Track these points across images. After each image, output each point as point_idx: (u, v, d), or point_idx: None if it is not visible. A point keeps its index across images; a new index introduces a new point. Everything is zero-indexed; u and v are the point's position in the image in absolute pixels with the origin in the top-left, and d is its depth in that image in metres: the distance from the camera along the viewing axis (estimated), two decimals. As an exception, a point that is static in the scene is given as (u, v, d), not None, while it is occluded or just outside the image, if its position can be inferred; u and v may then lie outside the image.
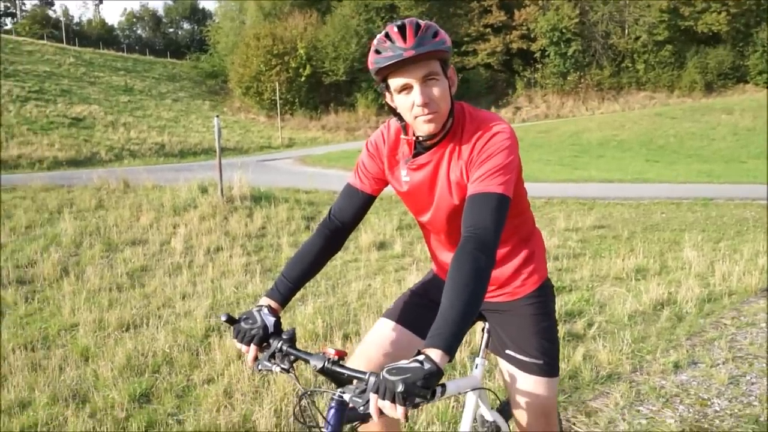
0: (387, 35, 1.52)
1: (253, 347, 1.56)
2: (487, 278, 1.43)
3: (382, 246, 7.36)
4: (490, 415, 1.96)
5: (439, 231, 1.82)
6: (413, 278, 5.60)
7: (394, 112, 1.66)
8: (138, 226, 8.10)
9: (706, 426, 3.12)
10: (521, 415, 1.81)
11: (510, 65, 45.23)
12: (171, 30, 75.71)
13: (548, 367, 1.79)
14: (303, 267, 1.76)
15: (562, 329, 4.37)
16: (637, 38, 43.23)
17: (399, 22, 1.53)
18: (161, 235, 7.65)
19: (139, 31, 74.66)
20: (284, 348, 1.52)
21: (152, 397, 3.43)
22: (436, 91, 1.54)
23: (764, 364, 3.86)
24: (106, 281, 5.72)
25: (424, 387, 1.20)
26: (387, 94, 1.63)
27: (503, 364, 1.85)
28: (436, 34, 1.52)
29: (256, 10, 47.10)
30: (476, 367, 1.91)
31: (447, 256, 1.82)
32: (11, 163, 18.48)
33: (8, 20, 69.72)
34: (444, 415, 3.09)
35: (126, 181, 11.07)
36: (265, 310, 1.63)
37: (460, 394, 1.89)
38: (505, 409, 1.99)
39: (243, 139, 31.01)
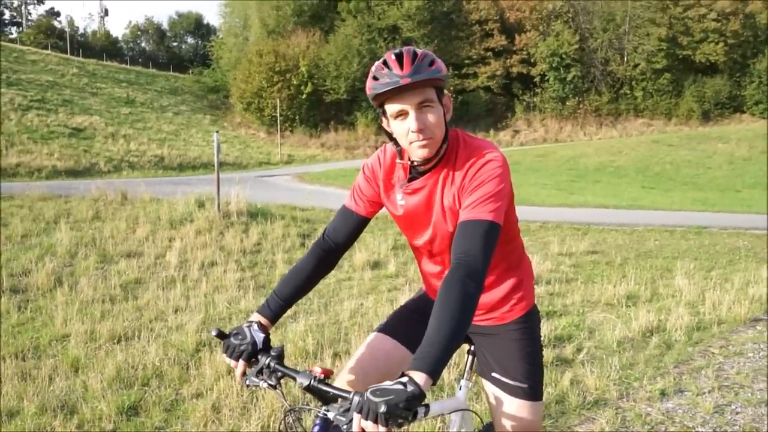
0: (385, 62, 1.59)
1: (241, 363, 1.60)
2: (475, 305, 1.47)
3: (376, 265, 7.40)
4: (473, 437, 1.98)
5: (432, 255, 1.86)
6: (405, 298, 5.60)
7: (390, 137, 1.72)
8: (134, 239, 8.13)
9: (689, 454, 3.14)
10: None
11: (510, 89, 45.62)
12: (175, 44, 76.23)
13: (533, 391, 1.83)
14: (295, 285, 1.81)
15: (551, 353, 4.41)
16: (636, 66, 43.74)
17: (397, 51, 1.59)
18: (156, 248, 7.67)
19: (143, 44, 75.13)
20: (272, 365, 1.56)
21: (140, 410, 3.45)
22: (431, 117, 1.60)
23: (749, 394, 3.90)
24: (99, 293, 5.74)
25: (406, 409, 1.24)
26: (383, 119, 1.69)
27: (488, 386, 1.88)
28: (432, 63, 1.59)
29: (260, 26, 47.54)
30: (460, 389, 1.95)
31: (438, 281, 1.87)
32: (10, 171, 18.51)
33: (14, 29, 70.22)
34: (431, 436, 3.11)
35: (124, 193, 11.11)
36: (255, 327, 1.67)
37: (443, 414, 1.91)
38: (489, 431, 2.02)
39: (242, 154, 31.14)
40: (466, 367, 1.97)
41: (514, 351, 1.85)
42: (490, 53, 44.94)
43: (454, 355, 3.30)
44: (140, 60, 61.60)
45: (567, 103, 43.77)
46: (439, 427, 3.18)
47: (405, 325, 1.95)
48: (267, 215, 9.77)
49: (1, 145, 20.96)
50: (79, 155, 22.84)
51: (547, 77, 43.96)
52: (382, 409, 1.22)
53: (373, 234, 9.18)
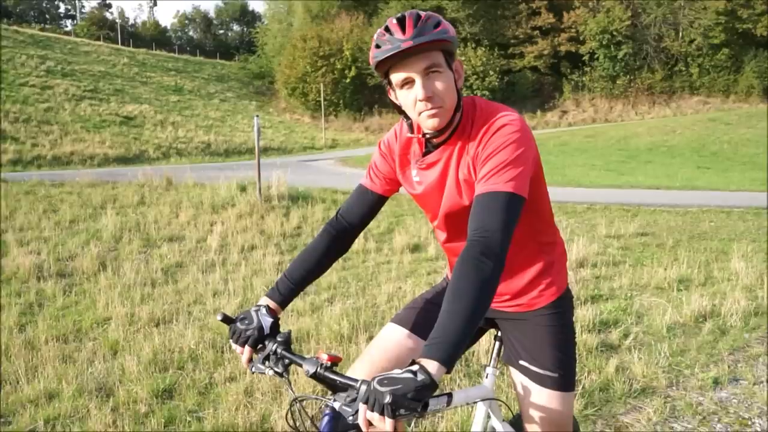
0: (387, 28, 1.45)
1: (247, 349, 1.51)
2: (494, 286, 1.33)
3: (416, 248, 7.28)
4: (501, 428, 1.86)
5: (451, 235, 1.73)
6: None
7: (399, 109, 1.59)
8: (176, 223, 8.24)
9: (744, 448, 2.94)
10: (534, 430, 1.71)
11: (557, 68, 44.47)
12: (221, 31, 77.38)
13: (564, 381, 1.69)
14: (306, 267, 1.71)
15: (595, 339, 4.21)
16: (692, 41, 41.89)
17: (399, 15, 1.46)
18: (198, 232, 7.75)
19: (190, 33, 76.54)
20: (279, 351, 1.47)
21: (175, 393, 3.45)
22: (439, 84, 1.46)
23: (813, 384, 3.63)
24: (141, 276, 5.82)
25: (414, 399, 1.12)
26: (390, 90, 1.56)
27: (516, 375, 1.75)
28: (437, 24, 1.44)
29: (304, 12, 47.66)
30: (487, 377, 1.83)
31: None
32: (64, 160, 19.15)
33: (68, 22, 72.45)
34: (466, 424, 3.00)
35: (169, 179, 11.30)
36: (263, 311, 1.58)
37: (468, 404, 1.79)
38: (518, 422, 1.89)
39: (287, 139, 31.40)
40: (492, 353, 1.84)
41: (543, 338, 1.70)
42: (537, 32, 43.88)
43: (481, 341, 3.16)
44: (188, 48, 62.76)
45: (617, 82, 42.37)
46: (469, 415, 3.06)
47: (420, 315, 1.81)
48: (308, 199, 9.77)
49: (55, 134, 21.67)
50: (130, 143, 23.46)
51: (596, 55, 42.61)
52: (387, 399, 1.11)
53: (414, 216, 9.07)
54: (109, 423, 3.03)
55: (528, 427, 1.71)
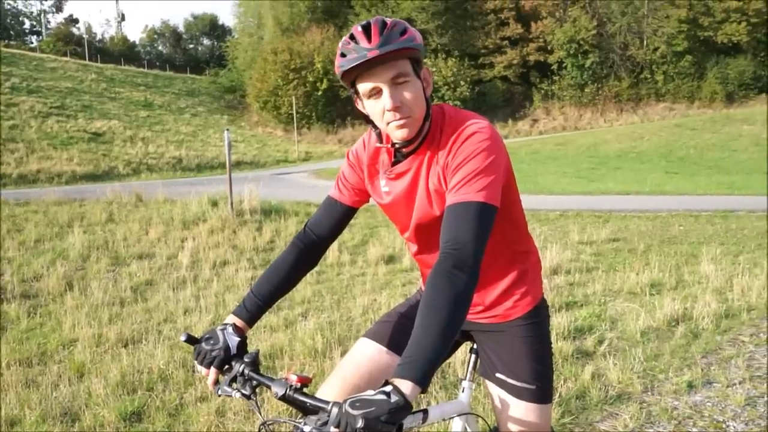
0: (352, 36, 1.42)
1: (213, 370, 1.45)
2: (468, 300, 1.29)
3: (390, 259, 7.24)
4: (478, 442, 1.83)
5: (422, 248, 1.69)
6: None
7: (366, 118, 1.55)
8: (146, 240, 8.08)
9: (720, 451, 2.94)
10: None
11: (527, 78, 45.01)
12: (191, 46, 76.76)
13: (541, 393, 1.65)
14: (274, 283, 1.66)
15: (570, 346, 4.22)
16: (656, 49, 42.78)
17: (364, 22, 1.42)
18: (169, 248, 7.61)
19: (159, 47, 75.75)
20: (246, 372, 1.42)
21: (143, 416, 3.34)
22: (407, 93, 1.42)
23: (784, 385, 3.67)
24: (109, 296, 5.67)
25: (388, 422, 1.08)
26: (358, 100, 1.52)
27: (493, 388, 1.71)
28: (404, 32, 1.41)
29: (274, 25, 47.52)
30: (463, 391, 1.79)
31: None
32: (30, 178, 18.71)
33: (34, 38, 71.24)
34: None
35: (138, 195, 11.10)
36: (230, 330, 1.52)
37: (445, 420, 1.76)
38: (495, 436, 1.86)
39: (260, 153, 31.17)
40: (468, 367, 1.80)
41: (520, 350, 1.67)
42: (506, 42, 44.36)
43: (457, 354, 3.12)
44: (157, 63, 62.10)
45: (586, 90, 43.02)
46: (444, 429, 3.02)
47: (394, 329, 1.76)
48: (281, 212, 9.68)
49: (20, 152, 21.19)
50: (98, 159, 23.03)
51: (564, 64, 43.24)
52: (360, 424, 1.06)
53: (389, 227, 9.03)
54: (75, 450, 2.92)
55: (506, 440, 1.68)
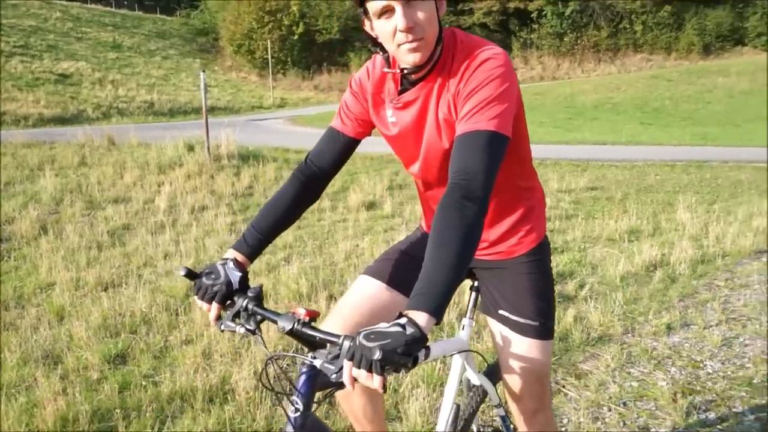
0: None
1: (215, 305, 1.41)
2: (479, 231, 1.25)
3: (371, 206, 7.21)
4: (477, 379, 1.83)
5: (430, 182, 1.63)
6: (402, 238, 5.47)
7: (374, 42, 1.46)
8: (121, 184, 7.90)
9: (698, 388, 3.04)
10: (513, 380, 1.66)
11: (506, 25, 44.40)
12: (160, -15, 73.73)
13: (544, 329, 1.64)
14: (275, 216, 1.60)
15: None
16: (636, -2, 42.43)
17: None
18: (145, 193, 7.46)
19: (126, -14, 72.63)
20: (250, 307, 1.38)
21: (128, 358, 3.32)
22: (421, 13, 1.34)
23: (757, 326, 3.78)
24: (85, 240, 5.56)
25: (405, 354, 1.05)
26: (366, 21, 1.43)
27: (495, 324, 1.69)
28: None
29: (248, -36, 45.77)
30: (463, 328, 1.78)
31: None
32: (-5, 120, 18.04)
33: (-9, -27, 67.63)
34: (430, 378, 2.99)
35: (111, 139, 10.80)
36: (231, 264, 1.47)
37: (445, 356, 1.75)
38: (493, 373, 1.86)
39: (234, 98, 30.47)
40: (469, 304, 1.79)
41: (523, 286, 1.64)
42: (486, -13, 43.53)
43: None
44: (125, 2, 59.60)
45: (565, 39, 42.64)
46: (440, 369, 3.06)
47: (395, 266, 1.72)
48: (259, 158, 9.52)
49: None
50: (66, 102, 22.26)
51: (544, 12, 42.68)
52: (377, 355, 1.03)
53: (368, 174, 8.97)
54: (59, 391, 2.89)
55: (508, 377, 1.67)
